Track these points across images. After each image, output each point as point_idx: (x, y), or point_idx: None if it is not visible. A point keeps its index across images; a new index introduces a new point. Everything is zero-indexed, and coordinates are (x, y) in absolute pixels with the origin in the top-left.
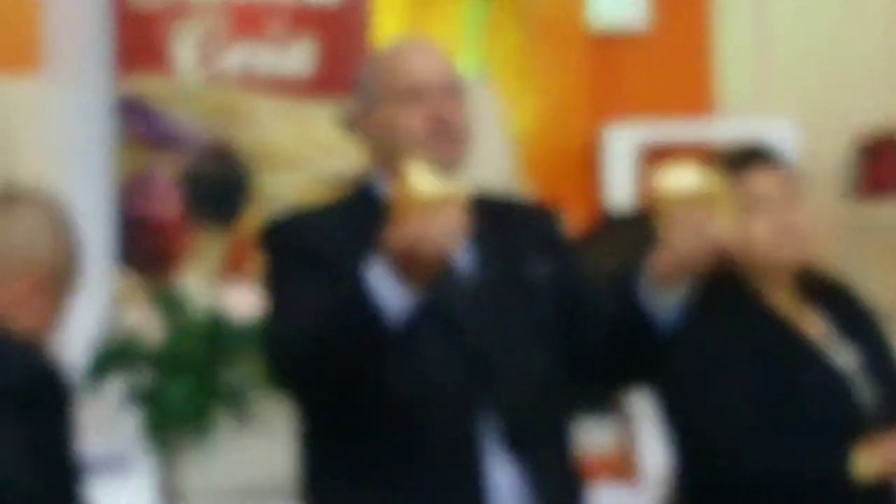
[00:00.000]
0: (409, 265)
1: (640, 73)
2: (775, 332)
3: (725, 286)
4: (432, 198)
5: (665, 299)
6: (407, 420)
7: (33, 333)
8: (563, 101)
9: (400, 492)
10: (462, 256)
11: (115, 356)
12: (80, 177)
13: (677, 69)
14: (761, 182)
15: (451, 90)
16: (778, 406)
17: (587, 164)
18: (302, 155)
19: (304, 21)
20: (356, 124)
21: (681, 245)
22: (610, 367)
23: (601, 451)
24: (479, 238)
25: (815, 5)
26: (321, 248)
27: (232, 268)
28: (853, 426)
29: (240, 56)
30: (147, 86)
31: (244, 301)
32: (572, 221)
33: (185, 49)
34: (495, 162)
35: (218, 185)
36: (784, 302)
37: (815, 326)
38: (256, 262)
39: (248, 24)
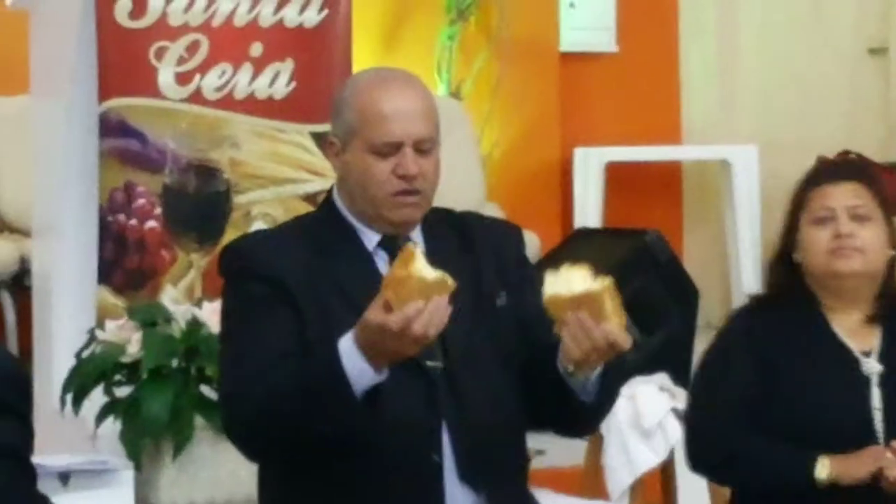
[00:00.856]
0: (389, 346)
1: (609, 94)
2: (825, 348)
3: (798, 300)
4: (430, 284)
5: (579, 380)
6: (365, 449)
7: None
8: (533, 121)
9: None
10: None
11: (95, 369)
12: (62, 193)
13: (644, 90)
14: (832, 195)
15: (426, 143)
16: (796, 414)
17: (556, 182)
18: (280, 174)
19: (282, 42)
20: (330, 151)
21: (574, 345)
22: (537, 415)
23: (572, 466)
24: (444, 258)
25: (779, 32)
26: (281, 273)
27: (211, 284)
28: (861, 438)
29: (219, 76)
30: (129, 104)
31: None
32: (542, 237)
33: (166, 69)
34: (467, 180)
35: (198, 203)
36: (848, 320)
37: (871, 345)
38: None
39: (227, 45)
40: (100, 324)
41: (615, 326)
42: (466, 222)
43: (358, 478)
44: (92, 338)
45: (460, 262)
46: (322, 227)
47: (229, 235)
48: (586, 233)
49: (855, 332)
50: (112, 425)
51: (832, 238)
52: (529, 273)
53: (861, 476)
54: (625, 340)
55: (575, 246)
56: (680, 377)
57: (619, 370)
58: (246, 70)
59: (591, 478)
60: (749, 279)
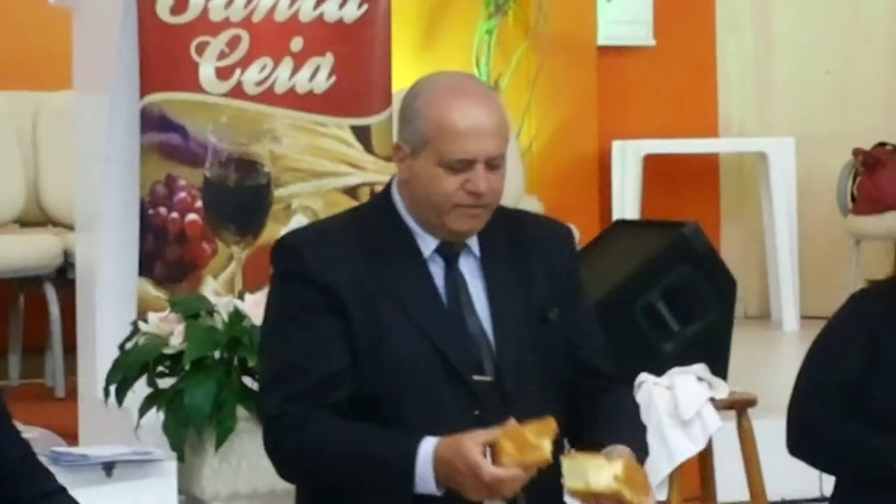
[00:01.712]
0: (465, 484)
1: (646, 87)
2: None
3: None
4: (540, 462)
5: None
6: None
7: None
8: (571, 114)
9: None
10: (477, 284)
11: (138, 361)
12: (104, 187)
13: (681, 83)
14: None
15: (498, 159)
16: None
17: (595, 174)
18: (320, 168)
19: (322, 37)
20: (397, 155)
21: None
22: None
23: None
24: (497, 264)
25: (814, 25)
26: (333, 280)
27: (252, 276)
28: None
29: (260, 70)
30: (170, 98)
31: (263, 308)
32: (581, 230)
33: (207, 63)
34: (506, 174)
35: (239, 196)
36: None
37: None
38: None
39: (268, 40)
40: (141, 316)
41: None
42: (519, 221)
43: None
44: (135, 330)
45: (512, 266)
46: (378, 227)
47: (270, 228)
48: (624, 224)
49: None
50: (155, 416)
51: None
52: (578, 287)
53: None
54: None
55: (613, 238)
56: (718, 368)
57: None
58: (286, 64)
59: None
60: (786, 270)
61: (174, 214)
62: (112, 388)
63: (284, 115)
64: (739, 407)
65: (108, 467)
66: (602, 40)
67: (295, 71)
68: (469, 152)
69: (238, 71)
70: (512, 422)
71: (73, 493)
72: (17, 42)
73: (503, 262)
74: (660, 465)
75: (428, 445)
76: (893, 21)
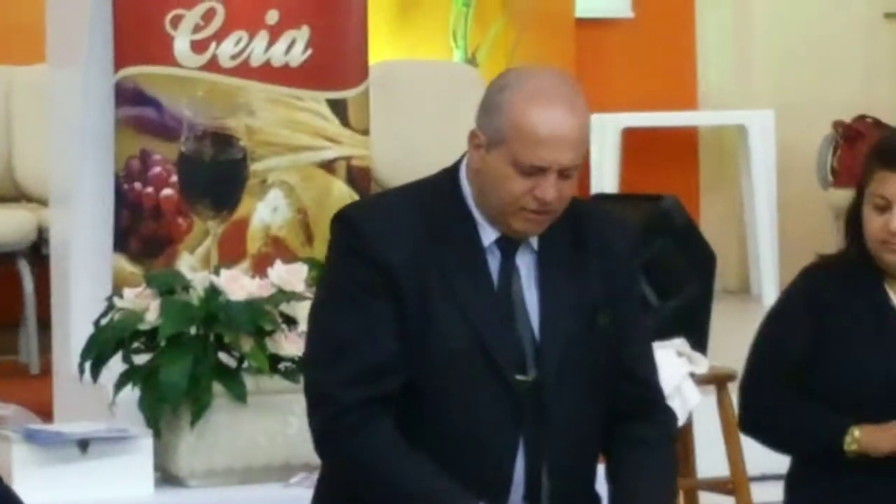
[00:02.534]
0: None
1: (624, 60)
2: (879, 317)
3: (863, 264)
4: None
5: None
6: (447, 459)
7: None
8: None
9: None
10: (531, 280)
11: (113, 337)
12: (78, 161)
13: (660, 56)
14: (891, 184)
15: (572, 169)
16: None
17: None
18: (296, 142)
19: (298, 9)
20: (472, 142)
21: None
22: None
23: None
24: (555, 260)
25: None
26: (392, 261)
27: (227, 251)
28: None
29: (235, 44)
30: (145, 72)
31: (238, 284)
32: None
33: (182, 36)
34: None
35: (214, 170)
36: None
37: None
38: (252, 244)
39: (243, 13)
40: (116, 291)
41: None
42: (587, 218)
43: None
44: (110, 306)
45: (570, 265)
46: (441, 209)
47: (245, 203)
48: (603, 198)
49: None
50: (131, 393)
51: (882, 228)
52: (635, 293)
53: (886, 450)
54: None
55: None
56: (697, 342)
57: None
58: (262, 37)
59: None
60: (766, 243)
61: (149, 189)
62: (87, 365)
63: (260, 89)
64: (719, 381)
65: (83, 444)
66: (580, 12)
67: (270, 44)
68: (544, 160)
69: (213, 44)
70: None
71: (48, 470)
72: None
73: (561, 261)
74: None
75: None
76: None
